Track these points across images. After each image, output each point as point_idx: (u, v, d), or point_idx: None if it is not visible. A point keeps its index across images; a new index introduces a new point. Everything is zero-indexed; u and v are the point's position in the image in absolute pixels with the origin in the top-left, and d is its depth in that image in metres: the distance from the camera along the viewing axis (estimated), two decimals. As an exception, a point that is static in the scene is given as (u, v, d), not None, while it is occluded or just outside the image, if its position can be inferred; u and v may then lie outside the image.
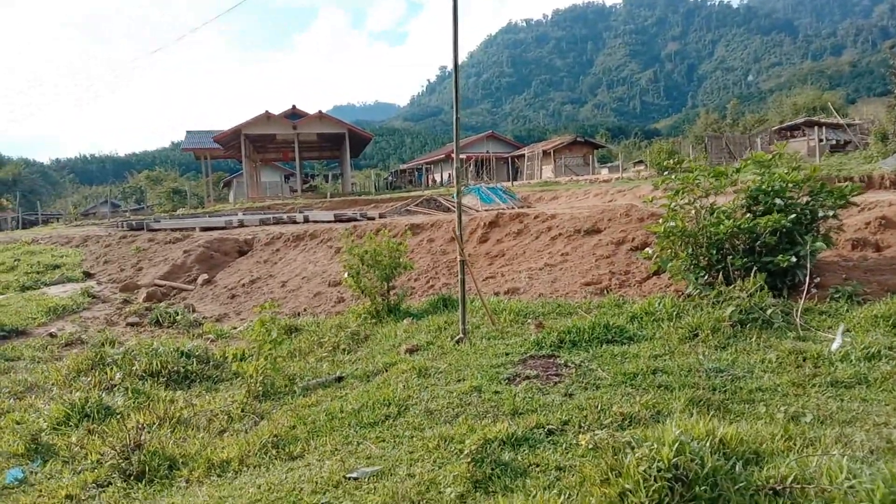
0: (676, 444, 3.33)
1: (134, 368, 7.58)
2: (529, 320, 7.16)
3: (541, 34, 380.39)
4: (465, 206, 24.45)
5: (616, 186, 29.17)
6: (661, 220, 7.58)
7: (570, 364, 5.51)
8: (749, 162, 7.23)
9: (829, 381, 4.65)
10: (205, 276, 13.53)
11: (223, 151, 58.94)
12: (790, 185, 6.78)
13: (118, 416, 6.22)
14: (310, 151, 62.97)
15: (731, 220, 6.66)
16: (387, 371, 6.18)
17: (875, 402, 4.28)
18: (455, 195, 22.04)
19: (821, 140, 37.60)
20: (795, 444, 3.64)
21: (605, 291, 8.15)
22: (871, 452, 3.41)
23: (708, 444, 3.45)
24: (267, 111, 50.69)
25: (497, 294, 8.73)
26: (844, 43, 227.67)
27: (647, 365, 5.20)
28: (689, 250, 7.15)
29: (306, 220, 19.72)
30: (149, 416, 6.08)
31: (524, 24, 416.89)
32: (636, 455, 3.39)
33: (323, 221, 19.25)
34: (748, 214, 6.75)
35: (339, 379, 6.40)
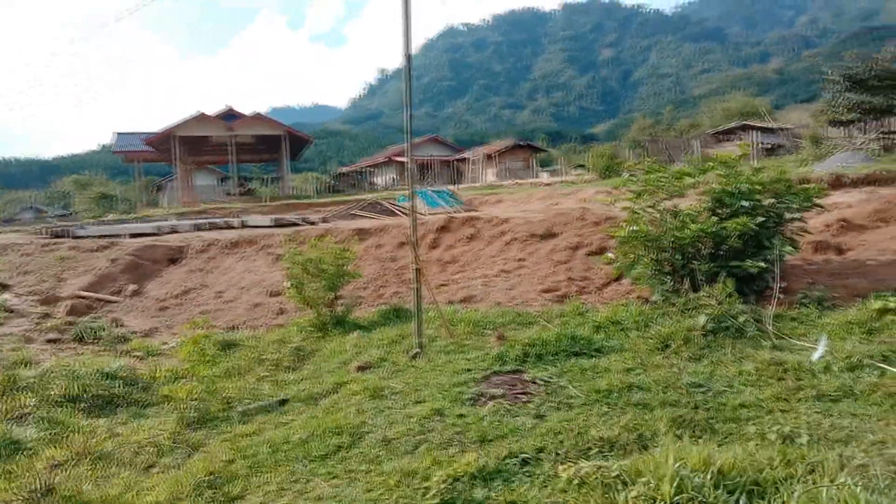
0: (676, 480, 2.94)
1: (50, 393, 6.73)
2: (489, 331, 6.73)
3: (480, 39, 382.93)
4: (410, 210, 23.92)
5: (559, 189, 29.20)
6: (621, 224, 7.28)
7: (537, 381, 5.08)
8: (714, 163, 7.00)
9: (814, 394, 4.36)
10: (133, 286, 12.54)
11: (155, 154, 56.52)
12: (756, 186, 6.57)
13: (28, 452, 5.44)
14: (246, 154, 61.07)
15: (697, 224, 6.38)
16: (336, 392, 5.61)
17: (866, 418, 4.01)
18: (400, 199, 21.37)
19: (755, 144, 38.83)
20: (797, 471, 3.29)
21: (565, 299, 7.79)
22: (885, 480, 3.09)
23: (708, 476, 3.08)
24: (201, 112, 49.04)
25: (452, 303, 8.26)
26: (770, 51, 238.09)
27: (621, 380, 4.82)
28: (653, 255, 6.87)
29: (244, 226, 18.79)
30: (65, 451, 5.31)
31: (464, 28, 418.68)
32: (631, 494, 2.98)
33: (262, 227, 18.37)
34: (713, 217, 6.49)
35: (283, 402, 5.78)
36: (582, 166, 53.69)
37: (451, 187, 37.06)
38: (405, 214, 22.81)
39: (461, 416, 4.51)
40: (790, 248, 6.43)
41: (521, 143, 58.97)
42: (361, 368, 6.13)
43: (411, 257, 6.50)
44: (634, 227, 6.93)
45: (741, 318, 5.70)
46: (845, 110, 26.47)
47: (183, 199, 50.68)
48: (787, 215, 6.68)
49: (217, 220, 19.85)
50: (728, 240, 6.46)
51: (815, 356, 4.89)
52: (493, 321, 7.01)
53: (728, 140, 43.37)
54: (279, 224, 18.42)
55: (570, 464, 3.53)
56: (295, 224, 18.49)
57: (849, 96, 26.11)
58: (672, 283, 6.76)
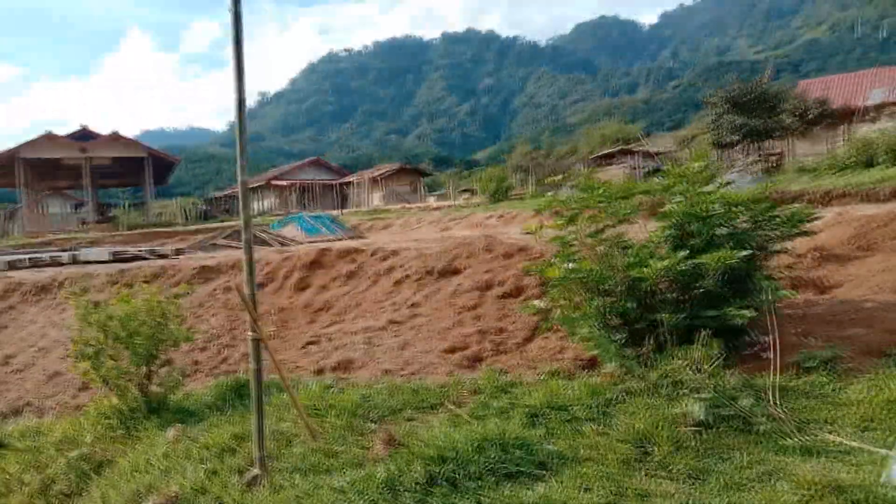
0: None
1: None
2: (372, 425, 4.52)
3: (362, 64, 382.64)
4: (285, 239, 21.21)
5: (449, 214, 27.59)
6: (551, 260, 5.36)
7: (456, 543, 2.93)
8: (672, 178, 5.22)
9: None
10: None
11: (-3, 179, 49.86)
12: (735, 209, 4.83)
13: None
14: (106, 178, 55.37)
15: (663, 261, 4.54)
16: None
17: None
18: (273, 225, 18.57)
19: (635, 168, 39.32)
20: None
21: (478, 362, 5.73)
22: None
23: None
24: (49, 132, 43.72)
25: (321, 371, 5.96)
26: (637, 82, 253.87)
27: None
28: (597, 303, 4.96)
29: (75, 261, 15.37)
30: None
31: (346, 53, 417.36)
32: None
33: (98, 262, 15.10)
34: (681, 251, 4.67)
35: None
36: (468, 190, 52.78)
37: (333, 212, 34.47)
38: (281, 244, 20.08)
39: None
40: (787, 291, 4.73)
41: (408, 166, 57.47)
42: (163, 510, 3.72)
43: (249, 320, 4.20)
44: (571, 264, 5.01)
45: (744, 402, 3.86)
46: (727, 132, 26.79)
47: (27, 228, 44.78)
48: (770, 246, 5.01)
49: (41, 255, 16.23)
50: (701, 280, 4.67)
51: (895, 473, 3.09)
52: (379, 405, 4.80)
53: (609, 164, 43.94)
54: (120, 258, 15.21)
55: None
56: (139, 258, 15.35)
57: (730, 118, 26.44)
58: (626, 341, 4.87)
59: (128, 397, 5.67)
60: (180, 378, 6.07)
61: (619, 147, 44.33)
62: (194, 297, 8.79)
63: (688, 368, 4.21)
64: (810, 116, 30.05)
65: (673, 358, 4.42)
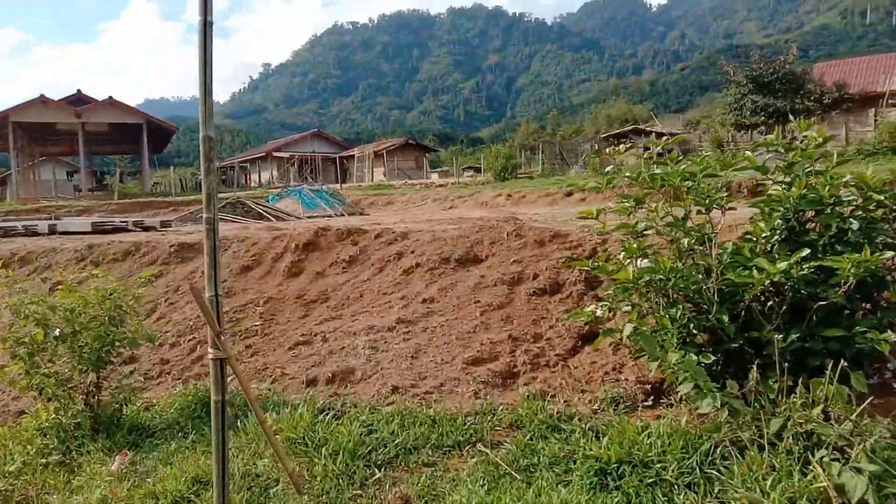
0: None
1: None
2: (378, 473, 3.35)
3: (367, 38, 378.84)
4: (282, 213, 19.97)
5: (454, 192, 26.30)
6: (618, 256, 4.15)
7: None
8: (767, 145, 3.99)
9: None
10: None
11: (-12, 142, 48.49)
12: (871, 194, 3.60)
13: None
14: (101, 145, 53.84)
15: (779, 263, 3.32)
16: None
17: None
18: (270, 198, 17.24)
19: (648, 149, 37.92)
20: None
21: (510, 378, 4.55)
22: None
23: None
24: (43, 95, 42.17)
25: (313, 382, 4.78)
26: (644, 63, 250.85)
27: None
28: (678, 313, 3.76)
29: (52, 232, 14.15)
30: None
31: (350, 26, 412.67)
32: None
33: (78, 233, 13.88)
34: (802, 250, 3.45)
35: None
36: (472, 168, 51.43)
37: (334, 186, 33.17)
38: (277, 218, 18.84)
39: None
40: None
41: (412, 141, 56.01)
42: None
43: (210, 334, 3.01)
44: (644, 262, 3.80)
45: (919, 471, 2.68)
46: (749, 113, 25.44)
47: (20, 194, 43.54)
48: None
49: (15, 225, 14.99)
50: (825, 289, 3.47)
51: None
52: (388, 442, 3.63)
53: (620, 144, 42.47)
54: (100, 230, 13.98)
55: None
56: (121, 229, 14.12)
57: (753, 99, 25.08)
58: (718, 366, 3.68)
59: (70, 411, 4.49)
60: (136, 386, 4.89)
61: (632, 126, 42.86)
62: (170, 279, 7.60)
63: (815, 410, 3.02)
64: (828, 101, 28.63)
65: (785, 394, 3.24)
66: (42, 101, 41.41)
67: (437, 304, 5.68)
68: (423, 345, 5.05)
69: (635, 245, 3.86)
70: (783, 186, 3.85)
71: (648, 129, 41.44)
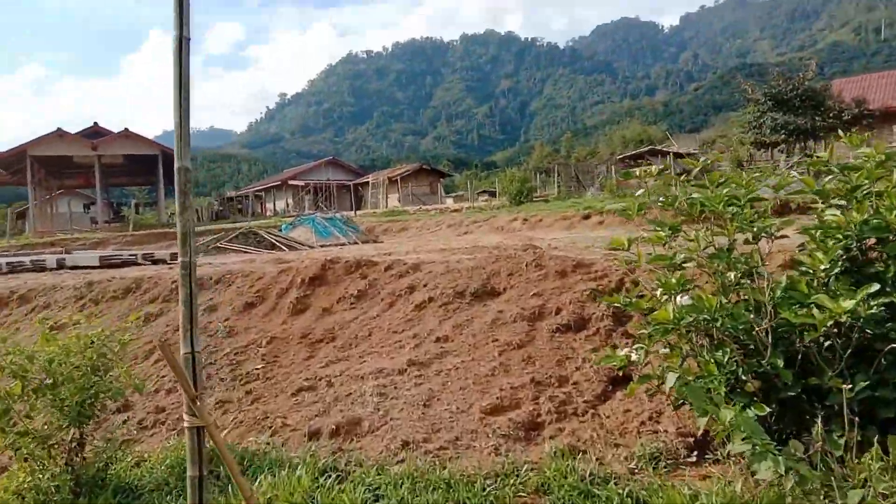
0: None
1: None
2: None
3: (381, 66, 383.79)
4: (295, 242, 19.70)
5: (469, 216, 25.88)
6: (651, 290, 3.69)
7: None
8: (814, 164, 3.53)
9: None
10: None
11: (6, 176, 49.14)
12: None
13: None
14: (118, 176, 54.42)
15: (847, 301, 2.84)
16: None
17: None
18: (284, 228, 16.98)
19: (671, 168, 37.45)
20: None
21: (534, 430, 4.07)
22: None
23: None
24: (59, 129, 42.64)
25: (316, 435, 4.33)
26: (657, 84, 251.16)
27: None
28: (725, 357, 3.28)
29: (60, 267, 13.94)
30: None
31: (364, 55, 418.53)
32: None
33: (86, 267, 13.66)
34: (870, 285, 2.98)
35: None
36: (487, 192, 51.13)
37: (348, 214, 32.96)
38: (290, 248, 18.55)
39: None
40: None
41: (426, 166, 55.94)
42: None
43: (185, 400, 2.60)
44: (685, 298, 3.34)
45: None
46: (769, 131, 24.89)
47: (37, 227, 43.99)
48: None
49: (24, 260, 14.80)
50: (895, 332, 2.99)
51: None
52: (397, 513, 3.16)
53: (637, 165, 42.08)
54: (109, 264, 13.74)
55: None
56: (130, 263, 13.89)
57: (773, 116, 24.55)
58: (774, 419, 3.19)
59: (49, 472, 4.08)
60: (123, 442, 4.48)
61: (648, 147, 42.37)
62: (170, 317, 7.22)
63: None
64: (847, 117, 27.93)
65: (855, 452, 2.75)
66: (59, 134, 41.91)
67: (451, 344, 5.23)
68: (437, 390, 4.60)
69: (674, 280, 3.40)
70: (839, 211, 3.38)
71: (665, 149, 40.90)
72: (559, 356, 4.80)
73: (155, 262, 14.41)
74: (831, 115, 26.49)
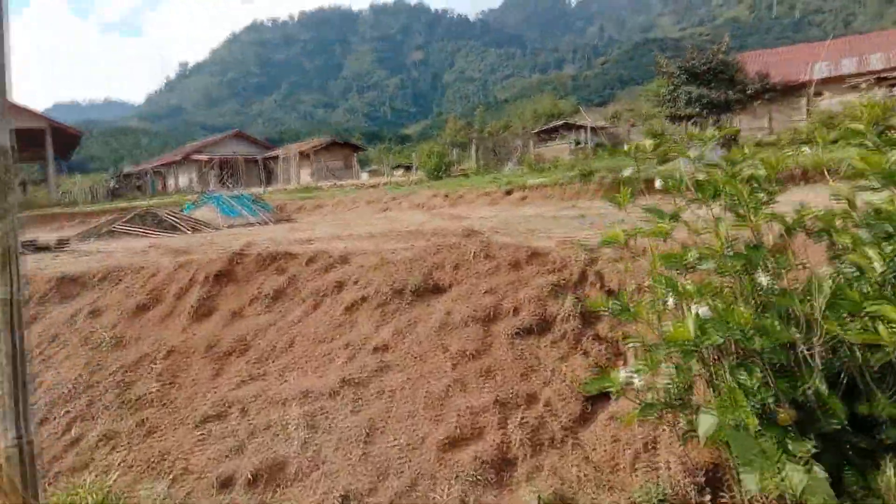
0: None
1: None
2: None
3: (288, 35, 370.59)
4: (199, 223, 18.08)
5: (388, 193, 24.85)
6: (664, 304, 2.97)
7: None
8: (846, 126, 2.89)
9: None
10: None
11: None
12: None
13: None
14: (-3, 152, 49.32)
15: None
16: None
17: None
18: (187, 207, 15.44)
19: (580, 143, 37.60)
20: None
21: (505, 468, 3.31)
22: None
23: None
24: (-77, 97, 37.85)
25: (228, 484, 3.39)
26: (565, 57, 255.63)
27: None
28: (754, 382, 2.61)
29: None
30: None
31: (270, 24, 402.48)
32: None
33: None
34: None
35: None
36: (402, 166, 49.97)
37: (257, 190, 31.08)
38: (193, 230, 16.95)
39: None
40: None
41: (339, 140, 53.98)
42: None
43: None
44: (706, 310, 2.63)
45: None
46: (684, 104, 25.15)
47: None
48: None
49: None
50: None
51: None
52: None
53: (552, 139, 42.08)
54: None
55: None
56: (4, 253, 12.09)
57: (688, 90, 24.80)
58: (814, 457, 2.55)
59: None
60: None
61: (564, 122, 42.46)
62: (47, 325, 5.96)
63: None
64: (750, 91, 28.64)
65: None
66: (-76, 105, 37.34)
67: (392, 355, 4.37)
68: (380, 419, 3.74)
69: (690, 286, 2.67)
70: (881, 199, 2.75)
71: (578, 123, 41.10)
72: (523, 367, 4.04)
73: (39, 249, 12.62)
74: (741, 88, 27.09)
